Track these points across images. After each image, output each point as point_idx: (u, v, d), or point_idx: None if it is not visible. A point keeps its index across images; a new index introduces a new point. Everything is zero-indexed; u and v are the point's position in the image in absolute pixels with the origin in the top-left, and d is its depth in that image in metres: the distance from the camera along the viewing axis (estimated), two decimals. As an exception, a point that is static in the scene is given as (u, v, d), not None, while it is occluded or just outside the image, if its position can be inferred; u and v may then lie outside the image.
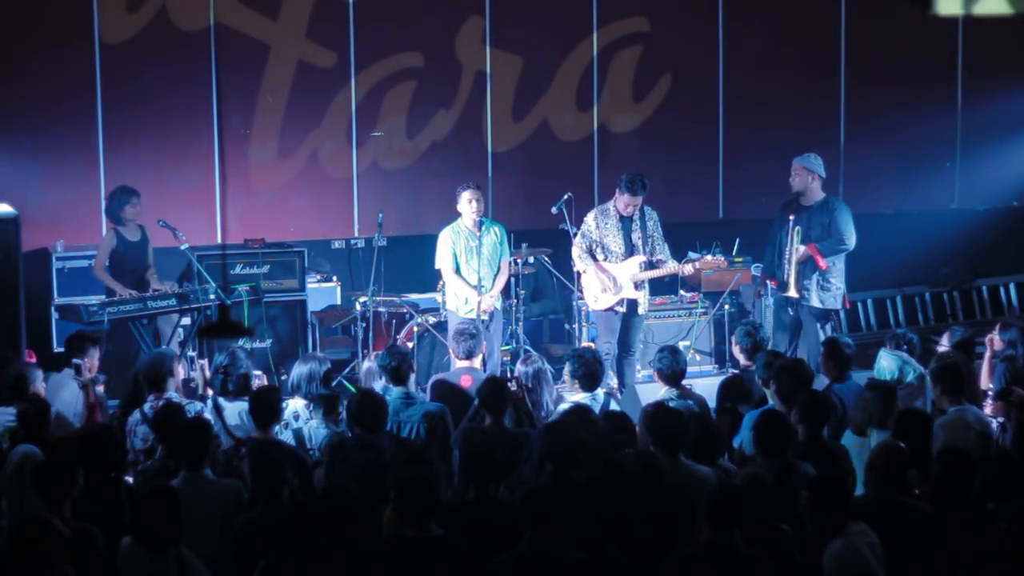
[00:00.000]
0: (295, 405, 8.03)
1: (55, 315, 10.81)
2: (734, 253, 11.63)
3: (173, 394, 7.91)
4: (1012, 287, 13.38)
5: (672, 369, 8.22)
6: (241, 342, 9.24)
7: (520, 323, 10.91)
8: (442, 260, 10.20)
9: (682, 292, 11.42)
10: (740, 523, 5.67)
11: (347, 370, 10.68)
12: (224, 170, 11.77)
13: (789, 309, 10.43)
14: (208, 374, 8.45)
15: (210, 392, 8.30)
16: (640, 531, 5.98)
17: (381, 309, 10.88)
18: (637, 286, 10.15)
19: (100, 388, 8.50)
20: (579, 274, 10.41)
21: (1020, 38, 13.06)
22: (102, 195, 11.06)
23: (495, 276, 10.21)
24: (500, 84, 12.44)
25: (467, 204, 10.10)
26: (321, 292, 11.59)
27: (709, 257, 10.47)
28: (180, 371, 8.33)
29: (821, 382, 8.40)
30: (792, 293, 10.30)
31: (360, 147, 12.16)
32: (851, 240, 10.35)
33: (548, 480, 6.36)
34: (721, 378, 8.98)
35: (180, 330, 10.27)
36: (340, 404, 7.83)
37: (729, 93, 13.03)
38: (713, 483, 6.32)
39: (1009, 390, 8.09)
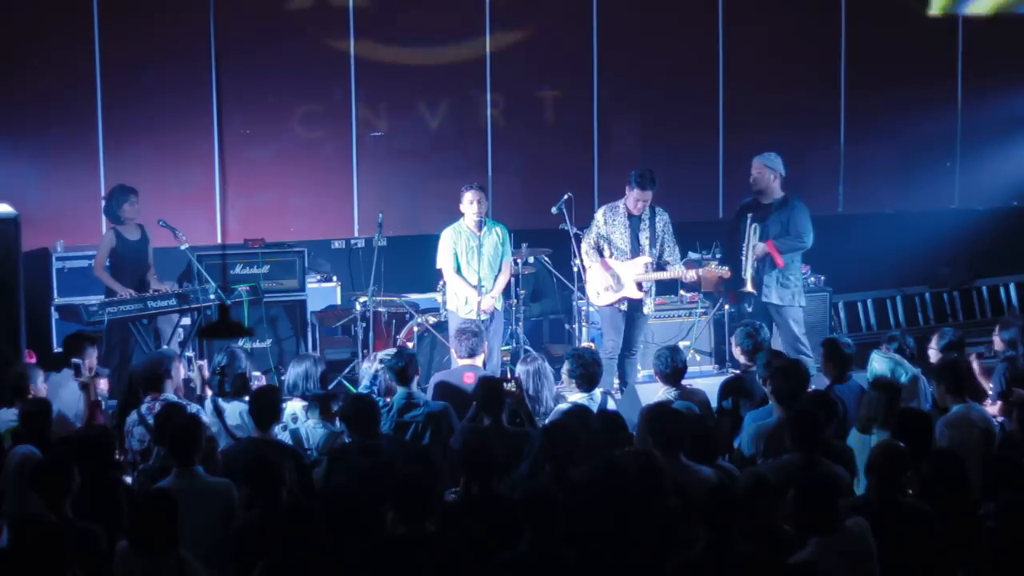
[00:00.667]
0: (293, 407, 8.03)
1: (55, 315, 10.82)
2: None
3: (171, 395, 7.90)
4: (1012, 287, 13.36)
5: (671, 368, 8.22)
6: (241, 342, 9.24)
7: (520, 323, 10.91)
8: (443, 260, 10.20)
9: (682, 292, 11.42)
10: (736, 524, 5.64)
11: (347, 370, 10.68)
12: (224, 170, 11.77)
13: (747, 306, 10.45)
14: (207, 374, 8.45)
15: (209, 392, 8.30)
16: (640, 531, 5.97)
17: (381, 309, 10.88)
18: (640, 286, 10.14)
19: (103, 383, 8.50)
20: (584, 269, 10.39)
21: (1020, 38, 13.06)
22: (102, 195, 11.05)
23: (496, 276, 10.21)
24: (500, 84, 12.45)
25: (469, 204, 10.09)
26: (321, 292, 11.59)
27: (714, 265, 10.46)
28: (180, 371, 8.33)
29: (821, 382, 8.41)
30: (749, 288, 10.33)
31: (360, 147, 12.16)
32: (808, 238, 10.40)
33: (547, 480, 6.35)
34: (722, 378, 8.97)
35: (180, 330, 10.27)
36: (335, 403, 7.84)
37: (729, 93, 13.02)
38: (714, 484, 6.30)
39: (1010, 390, 8.09)
